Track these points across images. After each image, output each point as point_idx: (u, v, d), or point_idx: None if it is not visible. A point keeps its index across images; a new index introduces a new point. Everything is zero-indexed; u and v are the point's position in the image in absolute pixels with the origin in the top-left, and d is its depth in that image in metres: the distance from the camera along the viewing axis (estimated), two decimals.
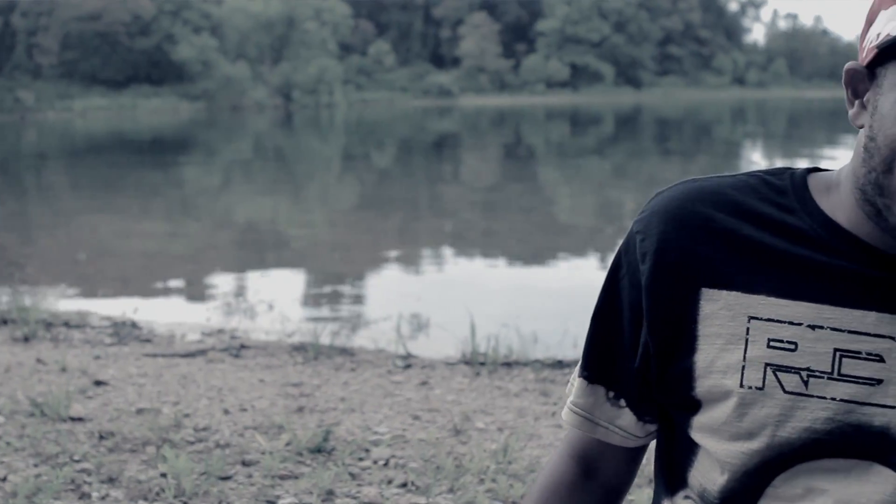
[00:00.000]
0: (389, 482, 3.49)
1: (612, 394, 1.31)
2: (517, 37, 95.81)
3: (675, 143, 31.51)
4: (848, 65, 1.21)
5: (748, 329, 1.20)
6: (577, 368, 1.36)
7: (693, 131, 38.73)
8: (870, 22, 1.18)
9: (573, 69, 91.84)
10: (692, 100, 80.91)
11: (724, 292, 1.21)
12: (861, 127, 1.19)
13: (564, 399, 1.39)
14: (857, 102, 1.20)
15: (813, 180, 1.26)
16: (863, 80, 1.19)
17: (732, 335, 1.20)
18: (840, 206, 1.22)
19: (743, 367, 1.20)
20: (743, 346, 1.20)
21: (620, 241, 1.31)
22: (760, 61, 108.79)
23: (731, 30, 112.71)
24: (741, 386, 1.20)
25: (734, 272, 1.21)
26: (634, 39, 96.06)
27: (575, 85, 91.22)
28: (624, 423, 1.33)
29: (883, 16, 1.15)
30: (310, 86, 73.74)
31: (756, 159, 23.94)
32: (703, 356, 1.22)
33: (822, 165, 1.31)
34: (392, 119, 53.67)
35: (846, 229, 1.21)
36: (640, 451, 1.38)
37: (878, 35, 1.13)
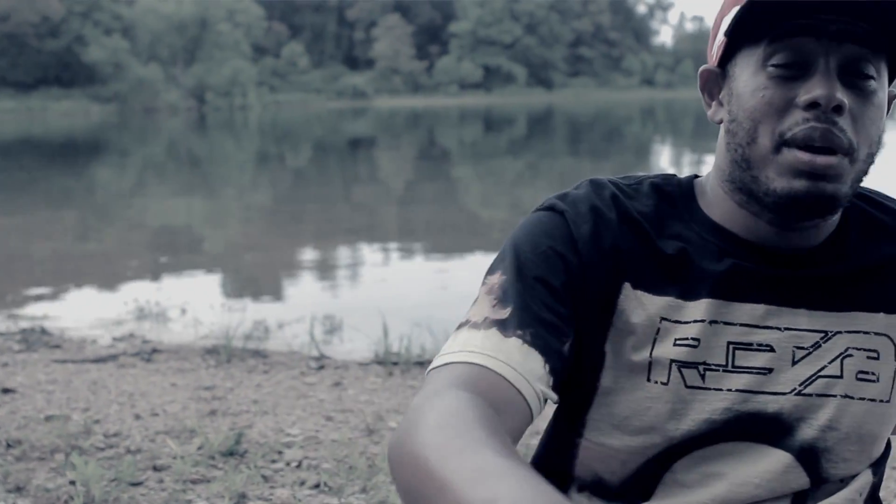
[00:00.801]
0: (302, 483, 3.49)
1: (548, 366, 1.17)
2: (430, 38, 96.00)
3: (587, 142, 31.84)
4: (702, 68, 1.30)
5: (658, 329, 1.25)
6: (497, 324, 1.18)
7: (604, 131, 39.20)
8: (717, 29, 1.28)
9: (486, 70, 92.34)
10: (603, 100, 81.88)
11: (640, 291, 1.26)
12: (721, 122, 1.27)
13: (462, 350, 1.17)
14: (713, 103, 1.29)
15: (697, 187, 1.33)
16: (717, 80, 1.28)
17: (644, 332, 1.25)
18: (718, 209, 1.29)
19: (650, 364, 1.24)
20: (651, 344, 1.25)
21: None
22: (668, 62, 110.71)
23: (640, 32, 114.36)
24: (648, 380, 1.25)
25: (648, 273, 1.26)
26: (546, 41, 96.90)
27: (488, 86, 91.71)
28: (545, 390, 1.17)
29: (726, 20, 1.23)
30: (223, 88, 73.06)
31: (666, 157, 24.32)
32: (615, 347, 1.26)
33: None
34: (306, 120, 53.35)
35: (729, 231, 1.28)
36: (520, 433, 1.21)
37: (727, 33, 1.22)
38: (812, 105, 1.15)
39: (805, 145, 1.16)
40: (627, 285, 1.25)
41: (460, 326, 1.21)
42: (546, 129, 41.67)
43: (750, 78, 1.20)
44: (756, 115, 1.19)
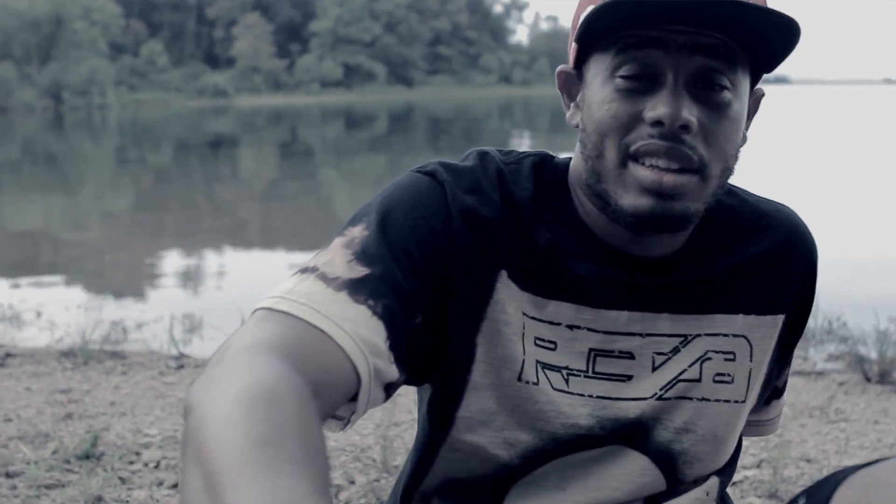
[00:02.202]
0: (160, 484, 3.42)
1: (390, 342, 1.07)
2: (291, 37, 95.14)
3: (448, 139, 32.02)
4: (559, 68, 1.25)
5: (524, 324, 1.20)
6: (348, 286, 1.07)
7: (464, 127, 39.45)
8: (574, 27, 1.22)
9: (347, 69, 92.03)
10: (461, 98, 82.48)
11: (511, 282, 1.20)
12: (576, 126, 1.22)
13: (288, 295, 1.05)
14: (572, 104, 1.24)
15: (571, 176, 1.27)
16: (574, 82, 1.23)
17: (516, 327, 1.20)
18: (583, 207, 1.24)
19: (523, 361, 1.20)
20: (521, 341, 1.20)
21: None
22: (525, 61, 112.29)
23: (497, 31, 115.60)
24: (519, 380, 1.21)
25: (520, 264, 1.20)
26: (405, 40, 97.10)
27: (349, 84, 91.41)
28: (384, 373, 1.07)
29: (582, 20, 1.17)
30: (81, 87, 70.97)
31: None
32: (486, 341, 1.20)
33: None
34: (167, 120, 52.14)
35: (596, 234, 1.23)
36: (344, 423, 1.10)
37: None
38: (657, 123, 1.10)
39: (651, 163, 1.11)
40: (504, 274, 1.19)
41: (307, 271, 1.09)
42: (407, 126, 41.75)
43: (599, 87, 1.15)
44: (602, 129, 1.14)
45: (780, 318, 1.31)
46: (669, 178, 1.11)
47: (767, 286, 1.29)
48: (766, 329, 1.30)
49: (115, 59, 79.51)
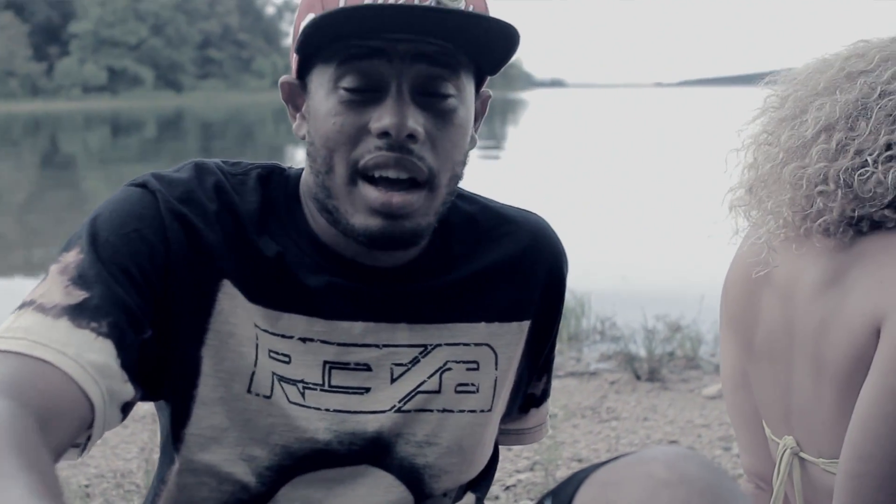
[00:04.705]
0: None
1: (121, 360, 1.07)
2: (49, 39, 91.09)
3: (220, 145, 31.44)
4: (282, 79, 1.23)
5: (257, 335, 1.18)
6: (68, 312, 1.06)
7: (237, 134, 38.86)
8: (295, 35, 1.20)
9: (111, 73, 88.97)
10: (234, 103, 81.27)
11: (238, 293, 1.17)
12: (303, 137, 1.21)
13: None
14: (298, 115, 1.23)
15: (302, 187, 1.25)
16: (299, 92, 1.22)
17: (245, 339, 1.17)
18: (314, 219, 1.23)
19: (253, 374, 1.17)
20: (254, 352, 1.17)
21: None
22: None
23: (270, 33, 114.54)
24: (249, 391, 1.18)
25: (245, 276, 1.18)
26: (173, 42, 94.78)
27: (114, 89, 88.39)
28: (119, 393, 1.07)
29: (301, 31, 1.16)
30: None
31: (301, 159, 24.43)
32: (212, 353, 1.17)
33: None
34: None
35: (328, 246, 1.22)
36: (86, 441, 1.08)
37: None
38: (384, 134, 1.10)
39: (379, 178, 1.11)
40: (227, 283, 1.16)
41: (24, 306, 1.06)
42: (177, 133, 40.74)
43: (323, 99, 1.14)
44: (330, 144, 1.13)
45: (526, 324, 1.32)
46: (398, 199, 1.12)
47: (511, 293, 1.30)
48: (511, 336, 1.30)
49: None
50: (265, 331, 1.18)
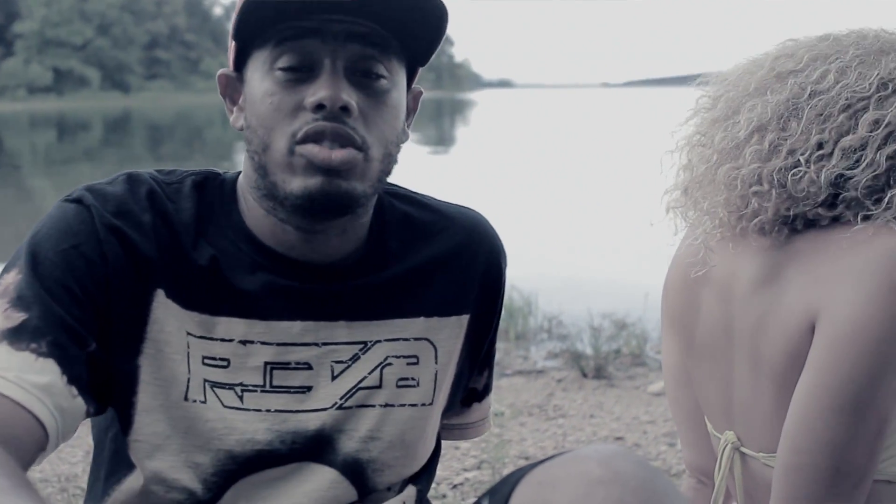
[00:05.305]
0: None
1: (66, 377, 1.09)
2: None
3: (169, 147, 31.16)
4: (220, 72, 1.26)
5: (188, 343, 1.19)
6: (7, 336, 1.09)
7: (185, 135, 38.53)
8: (232, 32, 1.23)
9: (56, 73, 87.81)
10: (182, 104, 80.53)
11: (171, 302, 1.19)
12: (241, 128, 1.23)
13: None
14: (235, 108, 1.25)
15: (239, 190, 1.27)
16: (236, 85, 1.25)
17: (178, 346, 1.19)
18: (252, 217, 1.24)
19: (188, 380, 1.19)
20: (186, 360, 1.19)
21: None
22: None
23: (218, 34, 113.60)
24: (185, 399, 1.19)
25: (179, 284, 1.19)
26: (120, 43, 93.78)
27: (59, 90, 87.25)
28: (70, 410, 1.10)
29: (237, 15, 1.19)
30: None
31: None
32: (149, 362, 1.18)
33: None
34: None
35: (262, 243, 1.23)
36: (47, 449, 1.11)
37: None
38: (319, 107, 1.14)
39: (316, 140, 1.15)
40: (161, 293, 1.18)
41: None
42: (125, 134, 40.30)
43: (259, 82, 1.18)
44: (268, 122, 1.16)
45: (465, 318, 1.34)
46: (338, 154, 1.14)
47: (448, 287, 1.33)
48: (450, 330, 1.33)
49: None
50: (201, 337, 1.20)
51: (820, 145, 1.42)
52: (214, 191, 1.26)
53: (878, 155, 1.39)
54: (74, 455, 3.36)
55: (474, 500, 2.90)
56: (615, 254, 8.18)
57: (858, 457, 1.35)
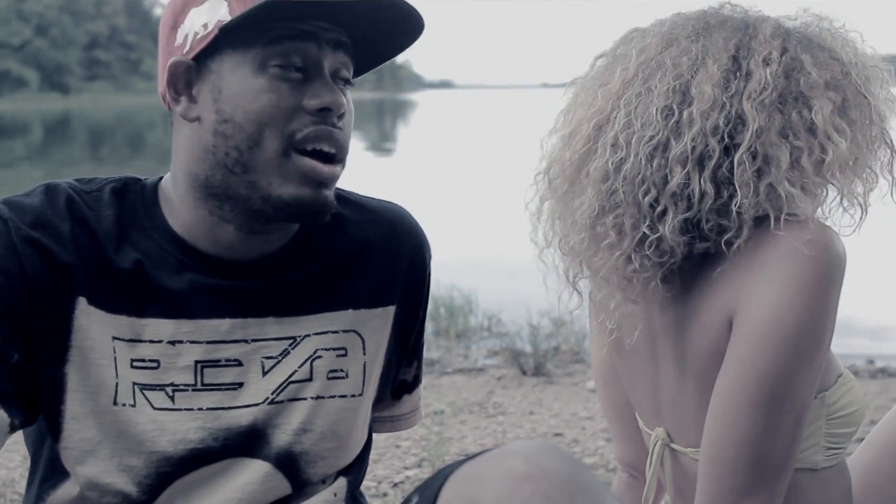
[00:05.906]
0: None
1: None
2: None
3: (110, 149, 30.75)
4: (172, 60, 1.23)
5: (114, 348, 1.20)
6: None
7: (126, 137, 38.04)
8: (177, 23, 1.23)
9: None
10: (123, 105, 79.48)
11: (94, 308, 1.20)
12: (194, 120, 1.21)
13: None
14: (183, 98, 1.23)
15: (161, 193, 1.28)
16: (192, 74, 1.22)
17: (105, 352, 1.20)
18: (181, 218, 1.25)
19: (117, 385, 1.20)
20: (113, 365, 1.20)
21: None
22: None
23: (158, 35, 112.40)
24: (115, 404, 1.20)
25: (102, 290, 1.20)
26: (59, 44, 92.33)
27: None
28: None
29: (197, 11, 1.20)
30: None
31: None
32: (76, 369, 1.19)
33: None
34: None
35: (189, 243, 1.25)
36: None
37: (206, 26, 1.19)
38: (321, 111, 1.18)
39: (312, 150, 1.18)
40: (83, 301, 1.19)
41: None
42: (65, 136, 39.70)
43: (248, 79, 1.18)
44: (263, 119, 1.17)
45: (391, 309, 1.37)
46: (327, 170, 1.19)
47: (374, 279, 1.36)
48: (377, 321, 1.36)
49: None
50: (129, 340, 1.21)
51: (652, 206, 1.39)
52: (136, 196, 1.27)
53: (702, 183, 1.36)
54: (12, 460, 3.33)
55: None
56: (555, 251, 8.20)
57: (778, 448, 1.37)
